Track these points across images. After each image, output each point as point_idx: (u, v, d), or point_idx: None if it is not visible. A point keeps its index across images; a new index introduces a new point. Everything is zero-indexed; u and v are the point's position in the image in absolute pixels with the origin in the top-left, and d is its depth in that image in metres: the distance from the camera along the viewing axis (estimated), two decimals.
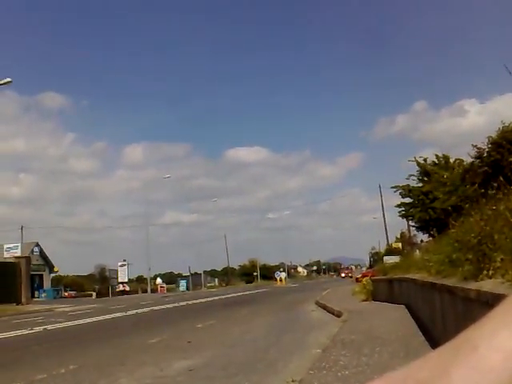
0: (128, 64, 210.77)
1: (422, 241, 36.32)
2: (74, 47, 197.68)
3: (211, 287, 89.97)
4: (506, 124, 22.61)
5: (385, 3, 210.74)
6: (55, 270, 77.27)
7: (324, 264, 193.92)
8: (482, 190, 20.65)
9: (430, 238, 29.23)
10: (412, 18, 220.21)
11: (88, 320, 21.60)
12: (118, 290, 76.53)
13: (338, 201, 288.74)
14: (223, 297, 40.28)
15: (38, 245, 70.80)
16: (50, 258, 74.94)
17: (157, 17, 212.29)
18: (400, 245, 51.66)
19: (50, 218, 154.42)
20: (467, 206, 14.18)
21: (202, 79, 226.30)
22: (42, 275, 71.87)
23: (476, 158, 25.33)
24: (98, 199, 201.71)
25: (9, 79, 34.55)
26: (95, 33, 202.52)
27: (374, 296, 21.81)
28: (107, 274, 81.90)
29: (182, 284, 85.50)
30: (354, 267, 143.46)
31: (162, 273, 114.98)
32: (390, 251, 49.71)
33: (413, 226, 37.78)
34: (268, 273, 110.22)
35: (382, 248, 68.68)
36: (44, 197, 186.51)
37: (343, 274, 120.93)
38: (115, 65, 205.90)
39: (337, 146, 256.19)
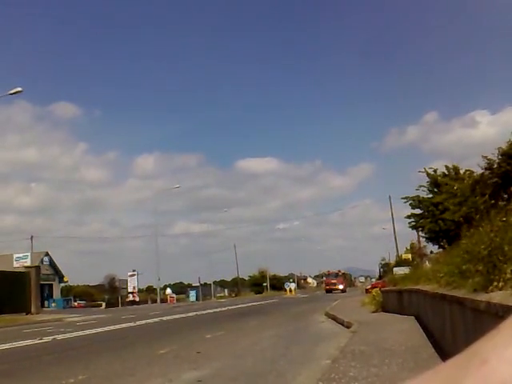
0: (140, 74, 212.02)
1: (432, 252, 36.24)
2: (87, 57, 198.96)
3: (221, 298, 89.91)
4: None
5: (394, 14, 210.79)
6: (65, 279, 77.52)
7: None
8: (493, 201, 20.62)
9: (440, 249, 29.15)
10: (423, 28, 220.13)
11: (97, 330, 21.60)
12: (127, 300, 76.65)
13: (349, 211, 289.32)
14: (233, 307, 40.17)
15: (47, 254, 71.09)
16: (59, 267, 75.22)
17: (169, 28, 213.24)
18: (410, 256, 51.52)
19: (60, 227, 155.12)
20: (477, 217, 14.14)
21: (213, 89, 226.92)
22: (51, 285, 72.10)
23: (486, 169, 25.32)
24: (108, 209, 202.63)
25: (19, 89, 34.81)
26: (108, 43, 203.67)
27: (384, 307, 21.72)
28: (117, 284, 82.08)
29: (192, 294, 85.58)
30: (353, 275, 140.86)
31: (172, 283, 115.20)
32: (400, 262, 49.59)
33: (423, 237, 37.73)
34: (278, 283, 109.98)
35: (392, 259, 68.44)
36: (55, 206, 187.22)
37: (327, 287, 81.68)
38: (127, 74, 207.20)
39: (348, 156, 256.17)
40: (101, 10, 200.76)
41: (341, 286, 79.50)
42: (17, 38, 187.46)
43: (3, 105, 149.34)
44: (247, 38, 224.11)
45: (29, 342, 17.45)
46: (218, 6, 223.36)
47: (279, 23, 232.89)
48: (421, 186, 31.74)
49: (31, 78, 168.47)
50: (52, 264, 72.67)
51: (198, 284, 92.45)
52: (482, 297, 5.60)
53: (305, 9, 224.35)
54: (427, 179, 31.49)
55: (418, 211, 32.40)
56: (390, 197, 63.16)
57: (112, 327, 22.90)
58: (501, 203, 17.73)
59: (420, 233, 38.25)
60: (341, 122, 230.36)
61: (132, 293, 79.35)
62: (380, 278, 79.14)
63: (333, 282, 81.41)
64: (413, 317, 14.97)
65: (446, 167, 31.47)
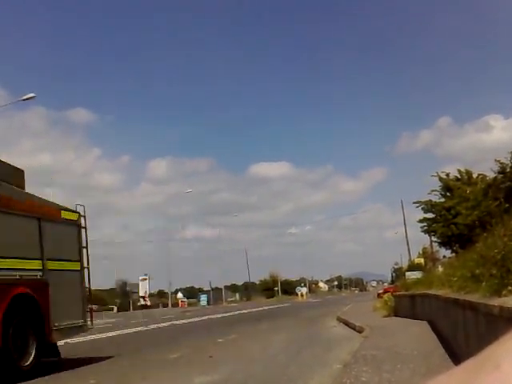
0: (154, 79, 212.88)
1: (444, 256, 36.04)
2: (100, 63, 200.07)
3: (232, 302, 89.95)
4: None
5: (408, 17, 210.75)
6: None
7: (346, 279, 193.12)
8: (506, 205, 20.48)
9: (453, 254, 29.00)
10: (437, 31, 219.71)
11: (109, 334, 21.65)
12: (139, 304, 76.76)
13: (361, 216, 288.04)
14: (244, 312, 40.20)
15: None
16: None
17: (181, 32, 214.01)
18: (422, 260, 51.32)
19: None
20: (490, 221, 14.07)
21: (226, 94, 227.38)
22: None
23: (499, 172, 25.18)
24: (121, 213, 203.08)
25: (32, 94, 35.06)
26: (120, 49, 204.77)
27: (396, 312, 21.64)
28: (128, 288, 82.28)
29: (203, 298, 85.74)
30: None
31: (183, 287, 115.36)
32: (413, 267, 49.39)
33: (435, 242, 37.53)
34: (289, 288, 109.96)
35: (405, 263, 68.23)
36: None
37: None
38: (141, 80, 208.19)
39: (360, 160, 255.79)
40: (113, 16, 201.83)
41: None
42: (32, 44, 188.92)
43: (19, 110, 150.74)
44: (258, 42, 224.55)
45: None
46: (230, 10, 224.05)
47: (292, 26, 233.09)
48: (433, 191, 31.64)
49: (46, 83, 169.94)
50: None
51: (209, 288, 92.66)
52: (496, 301, 5.56)
53: (320, 11, 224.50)
54: (439, 183, 31.38)
55: (430, 215, 32.30)
56: (401, 201, 63.01)
57: (123, 331, 22.96)
58: None
59: (432, 237, 38.06)
60: (353, 126, 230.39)
61: (143, 297, 79.51)
62: (392, 282, 78.98)
63: None
64: (425, 321, 14.90)
65: (459, 171, 31.37)
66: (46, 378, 10.38)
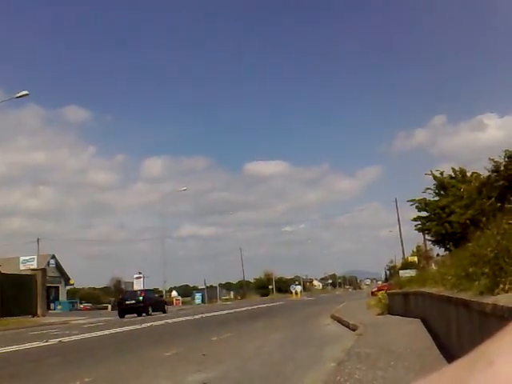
0: (151, 79, 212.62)
1: (438, 254, 36.10)
2: (98, 62, 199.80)
3: (226, 300, 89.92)
4: None
5: (403, 18, 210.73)
6: (71, 282, 77.64)
7: (340, 277, 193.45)
8: (499, 204, 20.55)
9: (447, 252, 29.04)
10: (432, 32, 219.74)
11: (103, 332, 21.62)
12: None
13: (356, 214, 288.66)
14: (238, 310, 40.19)
15: (54, 257, 71.18)
16: (65, 270, 75.34)
17: (178, 33, 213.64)
18: (416, 258, 51.44)
19: (68, 230, 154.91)
20: (484, 219, 14.11)
21: (223, 93, 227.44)
22: (57, 287, 72.23)
23: (493, 171, 25.23)
24: (116, 212, 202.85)
25: (25, 92, 34.92)
26: (119, 48, 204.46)
27: (390, 310, 21.68)
28: (123, 286, 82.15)
29: (198, 297, 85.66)
30: None
31: (178, 285, 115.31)
32: (406, 265, 49.52)
33: (429, 240, 37.55)
34: (283, 286, 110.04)
35: (398, 262, 68.37)
36: (62, 209, 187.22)
37: None
38: (138, 80, 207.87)
39: (356, 159, 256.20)
40: (113, 18, 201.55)
41: None
42: (31, 43, 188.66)
43: (15, 108, 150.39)
44: (258, 43, 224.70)
45: (35, 344, 17.48)
46: (229, 12, 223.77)
47: (292, 30, 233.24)
48: (427, 189, 31.63)
49: (43, 81, 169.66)
50: (58, 267, 72.78)
51: (203, 286, 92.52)
52: (488, 299, 5.58)
53: (318, 19, 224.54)
54: (434, 182, 31.38)
55: (424, 214, 32.29)
56: (396, 199, 63.24)
57: (118, 330, 22.93)
58: (507, 206, 17.67)
59: (426, 235, 38.08)
60: (349, 125, 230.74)
61: None
62: (386, 280, 79.14)
63: None
64: (419, 319, 14.93)
65: (453, 170, 31.35)
66: (42, 376, 10.38)
